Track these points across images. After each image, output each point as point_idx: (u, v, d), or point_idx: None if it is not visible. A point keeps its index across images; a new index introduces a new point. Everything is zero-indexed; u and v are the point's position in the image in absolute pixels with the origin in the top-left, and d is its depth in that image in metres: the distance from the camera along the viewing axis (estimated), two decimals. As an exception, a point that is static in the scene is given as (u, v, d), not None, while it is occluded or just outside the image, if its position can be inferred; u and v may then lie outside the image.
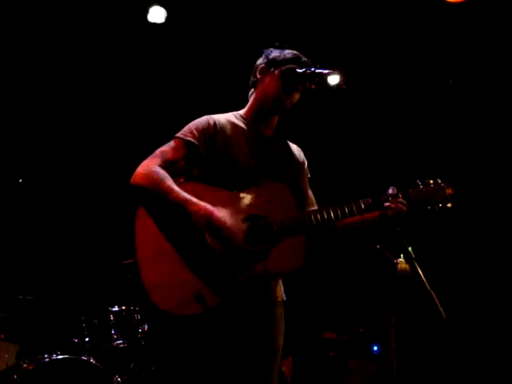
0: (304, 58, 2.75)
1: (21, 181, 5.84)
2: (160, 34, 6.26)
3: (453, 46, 6.43)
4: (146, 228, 2.52)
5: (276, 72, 2.74)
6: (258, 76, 2.80)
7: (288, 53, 2.78)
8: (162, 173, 2.53)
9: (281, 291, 2.76)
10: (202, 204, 2.47)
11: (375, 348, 6.61)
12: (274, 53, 2.80)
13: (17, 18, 5.84)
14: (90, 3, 5.85)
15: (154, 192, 2.50)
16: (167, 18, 6.02)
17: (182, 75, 6.62)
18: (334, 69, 2.59)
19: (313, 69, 2.59)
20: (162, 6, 5.96)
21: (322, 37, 6.22)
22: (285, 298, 2.77)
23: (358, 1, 5.96)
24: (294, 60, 2.73)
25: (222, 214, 2.47)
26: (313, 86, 2.57)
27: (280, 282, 2.77)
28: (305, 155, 2.98)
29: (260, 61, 2.84)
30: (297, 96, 2.76)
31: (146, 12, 5.97)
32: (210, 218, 2.44)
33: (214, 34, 6.25)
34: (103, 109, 6.71)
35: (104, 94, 6.65)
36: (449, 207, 2.61)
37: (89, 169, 6.69)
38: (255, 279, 2.50)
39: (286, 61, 2.74)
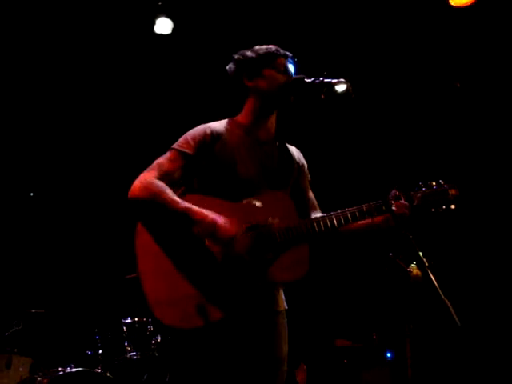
0: (281, 51, 2.77)
1: (32, 194, 5.86)
2: (167, 46, 6.29)
3: (459, 50, 6.42)
4: (146, 243, 2.50)
5: (266, 72, 2.73)
6: (248, 83, 2.76)
7: (262, 48, 2.78)
8: (161, 184, 2.51)
9: (282, 300, 2.74)
10: (206, 212, 2.45)
11: (388, 355, 6.57)
12: (249, 53, 2.80)
13: (23, 31, 5.88)
14: (97, 14, 5.88)
15: (153, 204, 2.48)
16: (174, 30, 6.04)
17: (188, 86, 6.64)
18: (341, 76, 2.59)
19: (321, 78, 2.59)
20: (168, 17, 5.98)
21: (329, 42, 6.23)
22: (286, 307, 2.74)
23: (365, 5, 5.96)
24: (275, 53, 2.74)
25: (225, 221, 2.45)
26: (322, 96, 2.57)
27: (281, 291, 2.75)
28: (309, 158, 2.96)
29: (233, 67, 2.81)
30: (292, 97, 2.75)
31: (153, 23, 5.99)
32: (213, 226, 2.42)
33: (221, 45, 6.26)
34: (111, 121, 6.73)
35: (111, 106, 6.68)
36: (452, 209, 2.58)
37: (99, 181, 6.70)
38: (258, 290, 2.49)
39: (269, 56, 2.74)
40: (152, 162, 2.61)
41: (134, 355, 4.71)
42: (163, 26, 6.02)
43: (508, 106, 6.63)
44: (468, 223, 6.28)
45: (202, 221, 2.43)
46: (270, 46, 2.80)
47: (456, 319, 2.06)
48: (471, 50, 6.41)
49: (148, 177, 2.53)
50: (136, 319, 4.82)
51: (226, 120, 2.79)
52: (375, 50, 6.43)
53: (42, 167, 6.54)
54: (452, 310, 2.08)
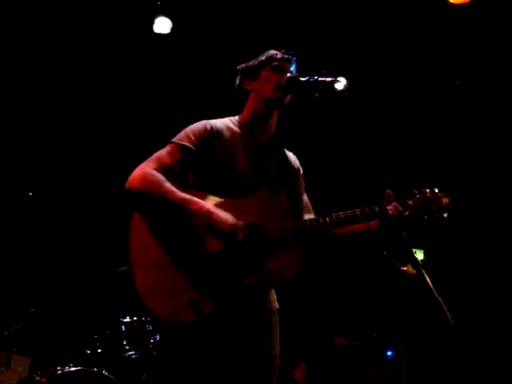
0: (279, 53, 2.78)
1: (31, 194, 5.86)
2: (166, 45, 6.29)
3: (458, 48, 6.42)
4: (141, 235, 2.51)
5: (263, 74, 2.76)
6: (248, 87, 2.81)
7: (262, 54, 2.82)
8: (159, 176, 2.51)
9: (274, 299, 2.75)
10: (203, 202, 2.47)
11: (389, 353, 6.57)
12: (251, 62, 2.84)
13: (22, 29, 5.89)
14: (96, 14, 5.88)
15: (151, 194, 2.48)
16: (173, 29, 6.04)
17: (186, 85, 6.64)
18: (338, 75, 2.59)
19: (316, 77, 2.59)
20: (167, 16, 5.98)
21: (327, 40, 6.23)
22: (278, 306, 2.75)
23: (364, 3, 5.96)
24: (272, 56, 2.77)
25: (223, 213, 2.46)
26: (316, 95, 2.57)
27: (273, 291, 2.76)
28: (303, 162, 2.97)
29: (238, 78, 2.87)
30: (289, 97, 2.77)
31: (152, 23, 5.99)
32: (210, 216, 2.43)
33: (219, 45, 6.26)
34: (109, 119, 6.73)
35: (109, 104, 6.68)
36: (445, 217, 2.58)
37: (96, 177, 6.69)
38: (251, 287, 2.48)
39: (266, 59, 2.77)
40: (147, 157, 2.61)
41: (132, 354, 4.71)
42: (162, 25, 6.02)
43: (508, 104, 6.63)
44: (462, 224, 6.29)
45: (199, 211, 2.44)
46: (270, 51, 2.82)
47: (450, 318, 2.06)
48: (471, 47, 6.40)
49: (147, 168, 2.54)
50: (135, 318, 4.82)
51: (227, 118, 2.82)
52: (374, 48, 6.43)
53: (39, 166, 6.53)
54: (446, 308, 2.08)
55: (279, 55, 2.78)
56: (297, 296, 2.80)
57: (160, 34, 6.10)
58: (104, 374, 4.33)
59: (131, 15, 5.99)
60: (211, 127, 2.68)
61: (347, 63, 6.27)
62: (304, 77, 2.65)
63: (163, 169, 2.55)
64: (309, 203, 2.92)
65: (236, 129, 2.76)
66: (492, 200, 6.70)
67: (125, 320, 4.80)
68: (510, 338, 6.29)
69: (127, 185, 2.53)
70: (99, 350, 4.71)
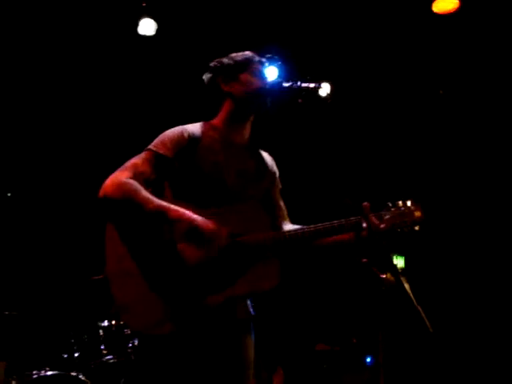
0: (257, 56, 2.76)
1: (9, 195, 5.79)
2: (150, 47, 6.25)
3: (442, 57, 6.46)
4: (115, 244, 2.45)
5: (243, 77, 2.72)
6: (224, 87, 2.75)
7: (238, 55, 2.79)
8: (135, 183, 2.43)
9: (249, 307, 2.69)
10: (183, 210, 2.40)
11: (368, 360, 6.58)
12: (225, 60, 2.80)
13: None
14: (80, 15, 5.83)
15: (127, 203, 2.41)
16: (157, 31, 6.01)
17: (171, 87, 6.61)
18: (322, 82, 2.59)
19: (299, 83, 2.58)
20: (152, 18, 5.95)
21: (310, 48, 6.24)
22: (253, 313, 2.70)
23: (347, 11, 5.98)
24: (251, 59, 2.75)
25: (204, 220, 2.40)
26: (300, 100, 2.56)
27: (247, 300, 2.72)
28: (282, 170, 2.94)
29: (209, 75, 2.82)
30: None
31: (136, 24, 5.96)
32: (192, 223, 2.37)
33: (204, 47, 6.25)
34: (90, 121, 6.67)
35: (92, 106, 6.62)
36: (416, 230, 2.60)
37: (74, 177, 6.63)
38: (229, 299, 2.43)
39: (245, 61, 2.75)
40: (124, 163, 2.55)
41: (110, 358, 4.66)
42: (147, 27, 5.99)
43: (492, 112, 6.68)
44: (443, 231, 6.34)
45: (180, 218, 2.38)
46: (247, 52, 2.80)
47: (428, 326, 2.07)
48: (454, 57, 6.45)
49: (122, 176, 2.45)
50: (113, 322, 4.78)
51: (202, 123, 2.76)
52: (358, 56, 6.44)
53: (18, 169, 6.45)
54: (425, 316, 2.09)
55: (260, 58, 2.76)
56: (277, 302, 2.77)
57: (145, 36, 6.06)
58: (81, 379, 4.29)
59: (115, 17, 5.95)
60: (188, 134, 2.61)
61: (331, 70, 6.28)
62: (287, 82, 2.64)
63: (139, 177, 2.47)
64: (284, 209, 2.88)
65: (213, 133, 2.70)
66: (472, 207, 6.74)
67: (103, 324, 4.76)
68: (489, 345, 6.33)
69: (101, 193, 2.44)
70: (76, 354, 4.65)
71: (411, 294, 2.10)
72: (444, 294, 6.63)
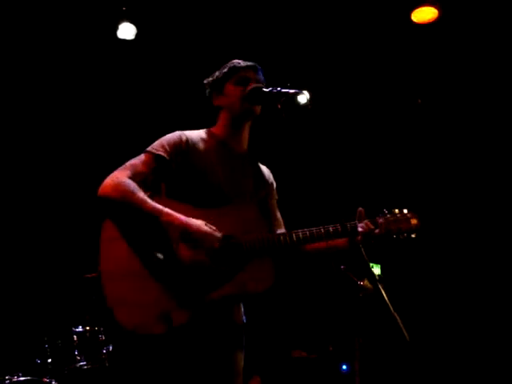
0: (241, 63, 2.79)
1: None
2: (130, 51, 6.22)
3: (421, 66, 6.52)
4: (111, 241, 2.48)
5: (227, 87, 2.78)
6: (215, 102, 2.84)
7: (225, 65, 2.84)
8: (133, 184, 2.49)
9: (242, 313, 2.74)
10: (177, 214, 2.44)
11: (344, 367, 6.58)
12: (216, 73, 2.85)
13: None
14: (59, 19, 5.78)
15: (124, 203, 2.46)
16: (137, 35, 5.98)
17: (151, 92, 6.59)
18: (302, 89, 2.59)
19: (279, 88, 2.59)
20: (131, 22, 5.92)
21: (290, 57, 6.26)
22: (245, 321, 2.74)
23: (326, 20, 6.00)
24: (234, 67, 2.78)
25: (197, 223, 2.44)
26: (279, 106, 2.56)
27: (241, 305, 2.76)
28: (274, 176, 2.99)
29: (206, 92, 2.89)
30: (260, 107, 2.77)
31: (116, 28, 5.93)
32: (185, 226, 2.41)
33: (184, 51, 6.24)
34: (73, 125, 6.63)
35: (74, 110, 6.58)
36: (413, 237, 2.62)
37: (50, 178, 6.57)
38: (223, 299, 2.46)
39: (229, 71, 2.79)
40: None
41: (84, 365, 4.61)
42: (126, 31, 5.96)
43: (471, 121, 6.76)
44: (419, 240, 6.37)
45: (172, 222, 2.41)
46: (232, 61, 2.84)
47: (405, 334, 2.06)
48: (433, 66, 6.51)
49: (120, 176, 2.52)
50: (87, 328, 4.72)
51: (202, 130, 2.83)
52: (337, 65, 6.48)
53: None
54: (401, 324, 2.08)
55: (242, 63, 2.79)
56: (253, 308, 2.77)
57: (124, 40, 6.02)
58: (54, 385, 4.23)
59: (95, 21, 5.90)
60: (186, 138, 2.69)
61: (311, 78, 6.31)
62: (267, 87, 2.65)
63: (137, 177, 2.53)
64: (280, 218, 2.94)
65: (211, 140, 2.77)
66: (449, 214, 6.80)
67: (77, 329, 4.70)
68: (467, 353, 6.37)
69: (100, 192, 2.50)
70: (50, 360, 4.59)
71: (388, 302, 2.09)
72: (421, 302, 6.67)
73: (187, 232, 2.41)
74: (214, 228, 2.46)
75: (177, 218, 2.42)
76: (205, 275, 2.44)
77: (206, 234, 2.42)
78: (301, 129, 2.41)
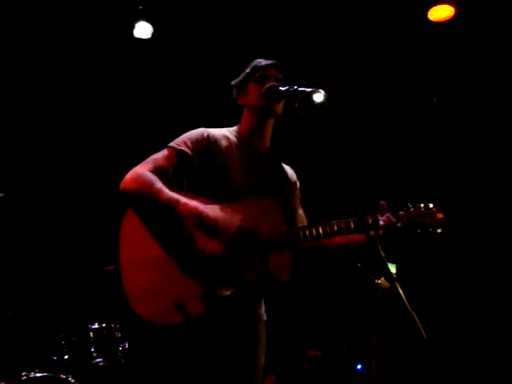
0: (263, 62, 2.80)
1: (2, 195, 5.75)
2: (146, 50, 6.25)
3: (437, 65, 6.48)
4: (133, 230, 2.51)
5: (249, 87, 2.80)
6: (239, 102, 2.86)
7: (249, 65, 2.85)
8: (152, 176, 2.52)
9: (263, 311, 2.75)
10: (194, 202, 2.45)
11: (359, 367, 6.55)
12: (241, 74, 2.87)
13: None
14: (75, 18, 5.82)
15: (143, 195, 2.48)
16: (153, 34, 6.00)
17: (168, 91, 6.61)
18: (318, 87, 2.59)
19: (295, 87, 2.59)
20: (148, 21, 5.94)
21: (307, 55, 6.25)
22: (265, 318, 2.75)
23: (343, 19, 5.98)
24: (256, 66, 2.80)
25: (213, 212, 2.45)
26: (296, 104, 2.56)
27: (262, 302, 2.76)
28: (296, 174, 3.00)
29: (234, 94, 2.91)
30: (281, 105, 2.78)
31: (132, 28, 5.95)
32: (201, 215, 2.41)
33: (201, 50, 6.25)
34: (89, 123, 6.67)
35: (91, 109, 6.62)
36: (438, 232, 2.58)
37: (70, 172, 6.62)
38: (240, 291, 2.46)
39: (251, 70, 2.81)
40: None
41: (100, 361, 4.63)
42: (143, 30, 5.98)
43: (486, 120, 6.71)
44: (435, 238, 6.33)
45: (191, 210, 2.42)
46: (255, 60, 2.85)
47: (423, 333, 2.06)
48: (449, 65, 6.47)
49: (141, 170, 2.55)
50: (104, 325, 4.75)
51: (225, 128, 2.85)
52: (354, 63, 6.46)
53: (11, 166, 6.42)
54: (419, 323, 2.08)
55: (263, 62, 2.80)
56: (269, 307, 2.77)
57: (140, 39, 6.04)
58: (70, 381, 4.25)
59: (111, 20, 5.93)
60: (208, 135, 2.71)
61: (328, 77, 6.30)
62: (284, 86, 2.65)
63: (158, 171, 2.56)
64: (304, 217, 2.93)
65: (233, 139, 2.79)
66: (464, 214, 6.75)
67: (93, 326, 4.72)
68: (483, 352, 6.33)
69: (121, 185, 2.54)
70: (66, 357, 4.61)
71: (406, 300, 2.09)
72: (438, 301, 6.63)
73: (204, 222, 2.42)
74: (231, 220, 2.46)
75: (194, 207, 2.43)
76: (221, 267, 2.45)
77: (221, 225, 2.43)
78: (318, 127, 2.41)
